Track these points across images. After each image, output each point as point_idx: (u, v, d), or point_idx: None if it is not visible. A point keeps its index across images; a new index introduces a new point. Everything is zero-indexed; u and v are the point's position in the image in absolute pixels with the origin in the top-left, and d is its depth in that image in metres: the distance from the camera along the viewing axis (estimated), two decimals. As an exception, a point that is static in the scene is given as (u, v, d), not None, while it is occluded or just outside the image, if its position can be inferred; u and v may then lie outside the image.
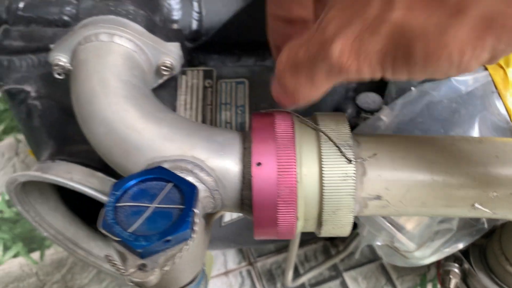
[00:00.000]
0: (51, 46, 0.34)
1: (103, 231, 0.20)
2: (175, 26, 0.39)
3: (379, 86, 0.41)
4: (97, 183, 0.37)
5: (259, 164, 0.26)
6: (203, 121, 0.38)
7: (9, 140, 0.76)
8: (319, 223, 0.27)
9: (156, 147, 0.27)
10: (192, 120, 0.30)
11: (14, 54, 0.42)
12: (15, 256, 0.64)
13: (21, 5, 0.40)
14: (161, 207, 0.21)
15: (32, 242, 0.65)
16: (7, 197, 0.69)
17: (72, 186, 0.35)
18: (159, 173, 0.22)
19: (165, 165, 0.27)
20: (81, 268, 0.63)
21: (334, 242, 0.63)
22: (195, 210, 0.21)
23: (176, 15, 0.39)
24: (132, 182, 0.22)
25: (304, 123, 0.28)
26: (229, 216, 0.46)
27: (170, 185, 0.22)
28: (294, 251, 0.49)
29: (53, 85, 0.42)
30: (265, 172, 0.26)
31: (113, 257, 0.20)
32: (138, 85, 0.30)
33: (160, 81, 0.36)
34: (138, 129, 0.27)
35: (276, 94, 0.26)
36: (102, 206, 0.25)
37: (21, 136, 0.76)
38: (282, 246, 0.64)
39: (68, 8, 0.40)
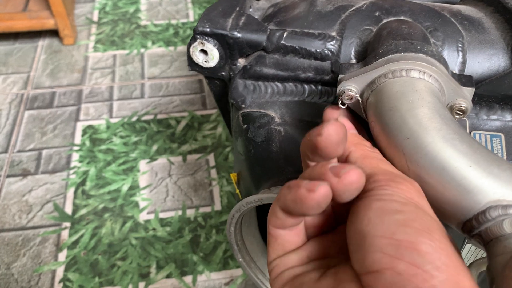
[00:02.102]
0: (340, 76, 0.35)
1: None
2: (438, 72, 0.39)
3: None
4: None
5: None
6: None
7: (162, 160, 0.78)
8: None
9: (501, 190, 0.26)
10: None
11: (261, 80, 0.44)
12: (168, 276, 0.64)
13: (285, 35, 0.42)
14: None
15: (184, 265, 0.65)
16: (161, 215, 0.70)
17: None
18: None
19: (512, 210, 0.26)
20: (233, 301, 0.61)
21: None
22: None
23: (443, 61, 0.39)
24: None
25: None
26: None
27: None
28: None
29: (299, 115, 0.43)
30: None
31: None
32: (457, 123, 0.30)
33: (446, 122, 0.36)
34: (480, 169, 0.27)
35: None
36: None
37: (174, 159, 0.78)
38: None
39: (331, 43, 0.41)
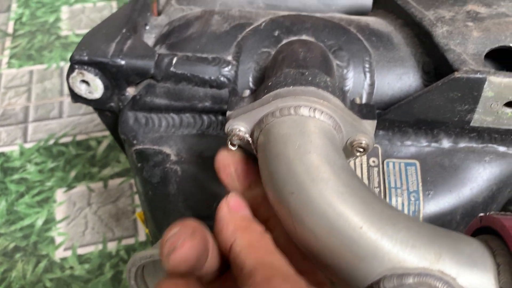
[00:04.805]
0: (228, 113, 0.30)
1: None
2: (344, 97, 0.35)
3: None
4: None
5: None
6: (368, 206, 0.34)
7: (81, 188, 0.72)
8: None
9: (396, 255, 0.22)
10: (419, 220, 0.25)
11: (154, 112, 0.38)
12: (86, 321, 0.58)
13: (174, 61, 0.37)
14: None
15: (104, 306, 0.59)
16: (79, 251, 0.64)
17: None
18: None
19: (409, 280, 0.22)
20: None
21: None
22: None
23: (348, 85, 0.35)
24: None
25: None
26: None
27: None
28: None
29: (198, 150, 0.38)
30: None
31: None
32: (351, 170, 0.26)
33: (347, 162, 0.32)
34: (372, 231, 0.23)
35: None
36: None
37: (94, 185, 0.72)
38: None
39: (227, 69, 0.36)
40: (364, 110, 0.30)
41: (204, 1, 0.45)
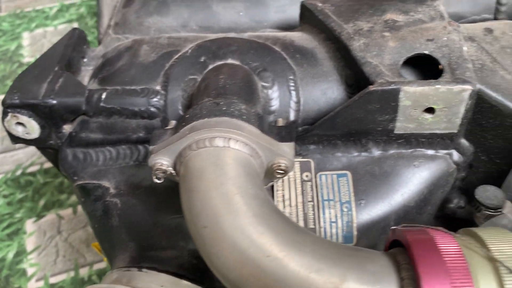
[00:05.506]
0: (151, 147, 0.31)
1: None
2: (271, 117, 0.36)
3: (494, 178, 0.37)
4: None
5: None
6: (305, 220, 0.35)
7: (50, 216, 0.72)
8: None
9: (302, 280, 0.23)
10: (329, 241, 0.26)
11: (91, 147, 0.39)
12: None
13: (103, 96, 0.37)
14: None
15: (79, 333, 0.60)
16: (51, 280, 0.64)
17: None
18: None
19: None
20: None
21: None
22: None
23: (274, 105, 0.36)
24: None
25: (471, 248, 0.24)
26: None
27: None
28: None
29: (136, 181, 0.38)
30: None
31: None
32: (264, 197, 0.27)
33: (270, 184, 0.32)
34: (278, 258, 0.23)
35: None
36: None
37: (63, 212, 0.72)
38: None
39: (155, 99, 0.37)
40: (283, 133, 0.31)
41: (139, 29, 0.45)
